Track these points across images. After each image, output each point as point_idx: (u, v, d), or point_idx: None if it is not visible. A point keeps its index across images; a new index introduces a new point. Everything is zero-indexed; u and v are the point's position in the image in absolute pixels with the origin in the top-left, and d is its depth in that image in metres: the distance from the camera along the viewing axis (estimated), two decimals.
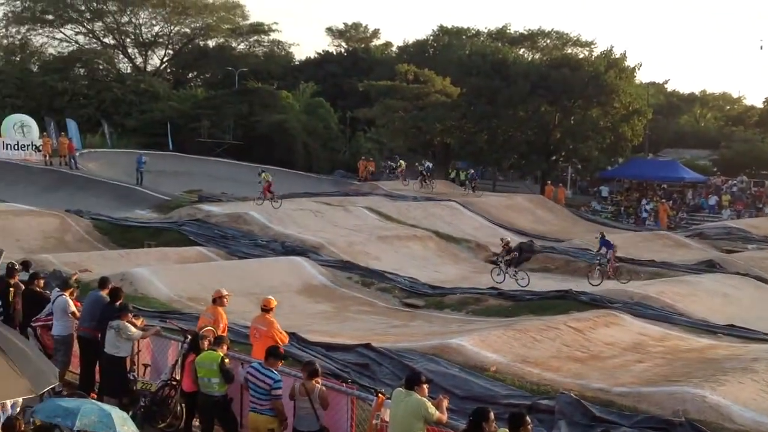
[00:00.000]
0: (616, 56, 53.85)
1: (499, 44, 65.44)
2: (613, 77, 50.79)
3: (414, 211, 33.04)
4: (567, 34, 74.17)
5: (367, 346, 13.65)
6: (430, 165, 45.51)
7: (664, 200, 47.02)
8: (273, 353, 9.87)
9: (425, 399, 8.27)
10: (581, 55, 63.32)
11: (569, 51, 68.82)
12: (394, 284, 21.72)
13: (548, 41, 75.43)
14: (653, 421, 10.55)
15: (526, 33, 74.96)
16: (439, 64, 61.10)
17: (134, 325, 11.60)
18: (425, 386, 8.36)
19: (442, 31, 74.91)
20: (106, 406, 7.73)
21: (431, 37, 74.88)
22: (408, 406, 8.20)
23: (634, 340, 15.64)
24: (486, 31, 76.18)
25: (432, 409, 8.19)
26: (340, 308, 19.62)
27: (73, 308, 12.59)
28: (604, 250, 24.47)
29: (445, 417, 8.35)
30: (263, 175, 32.84)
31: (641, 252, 28.65)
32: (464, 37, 74.04)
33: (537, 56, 70.48)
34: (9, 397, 6.95)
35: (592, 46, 70.21)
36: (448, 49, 68.38)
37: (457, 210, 34.43)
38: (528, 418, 7.47)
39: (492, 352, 13.80)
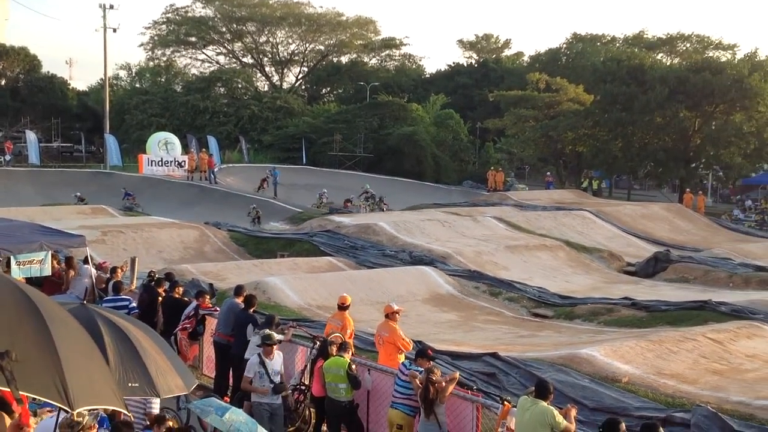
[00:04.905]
0: (761, 59, 51.35)
1: (636, 50, 63.65)
2: (758, 80, 48.37)
3: (544, 221, 32.45)
4: (708, 37, 71.31)
5: (494, 355, 13.51)
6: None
7: None
8: (422, 354, 10.18)
9: (552, 408, 8.13)
10: (723, 59, 60.74)
11: (710, 55, 66.13)
12: (523, 294, 21.38)
13: (688, 45, 72.72)
14: None
15: (664, 37, 72.61)
16: (572, 72, 60.12)
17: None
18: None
19: (576, 38, 73.66)
20: (253, 421, 8.08)
21: (564, 45, 73.80)
22: (534, 415, 8.09)
23: None
24: (622, 36, 74.47)
25: (559, 417, 8.05)
26: (467, 317, 19.49)
27: None
28: None
29: (573, 427, 8.18)
30: None
31: None
32: (599, 43, 72.57)
33: (676, 61, 68.15)
34: (171, 393, 7.38)
35: (735, 49, 67.27)
36: (581, 56, 67.21)
37: (589, 219, 33.58)
38: (661, 429, 7.23)
39: (624, 363, 13.36)
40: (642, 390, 12.17)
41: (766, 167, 54.69)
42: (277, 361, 10.79)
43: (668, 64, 64.62)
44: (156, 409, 9.09)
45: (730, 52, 66.86)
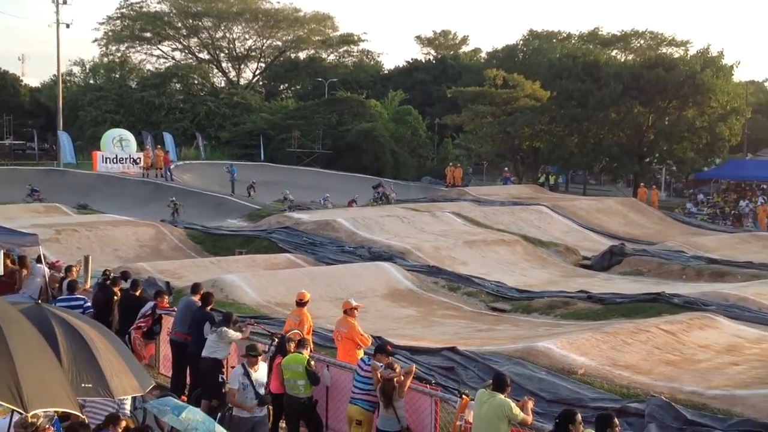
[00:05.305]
0: (713, 55, 52.25)
1: (591, 46, 64.42)
2: (710, 76, 49.21)
3: (502, 216, 32.72)
4: (661, 34, 72.65)
5: (453, 349, 13.58)
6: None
7: (763, 201, 45.32)
8: (381, 349, 10.19)
9: (509, 400, 8.21)
10: (676, 55, 61.70)
11: (664, 51, 67.16)
12: (481, 288, 21.47)
13: (642, 42, 73.89)
14: (748, 425, 10.14)
15: (618, 34, 73.62)
16: (529, 69, 60.58)
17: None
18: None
19: (532, 35, 74.33)
20: (211, 419, 8.04)
21: (521, 42, 74.40)
22: (492, 407, 8.16)
23: (729, 343, 15.07)
24: (577, 33, 75.32)
25: (516, 409, 8.13)
26: (426, 312, 19.57)
27: None
28: None
29: (530, 418, 8.27)
30: None
31: (739, 254, 27.63)
32: (555, 40, 73.30)
33: (630, 57, 69.10)
34: (126, 394, 7.32)
35: (688, 46, 68.45)
36: (538, 53, 67.80)
37: (545, 214, 33.93)
38: (616, 420, 7.35)
39: (580, 355, 13.52)
40: (597, 381, 12.34)
41: (718, 161, 55.68)
42: (262, 372, 10.35)
43: (622, 60, 65.43)
44: (128, 409, 9.01)
45: (683, 48, 68.01)
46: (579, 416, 7.48)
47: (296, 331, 11.96)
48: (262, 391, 10.19)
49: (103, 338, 7.24)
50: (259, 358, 10.38)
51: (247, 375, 10.12)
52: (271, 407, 11.27)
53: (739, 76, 62.08)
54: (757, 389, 11.66)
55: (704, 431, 10.20)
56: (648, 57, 58.67)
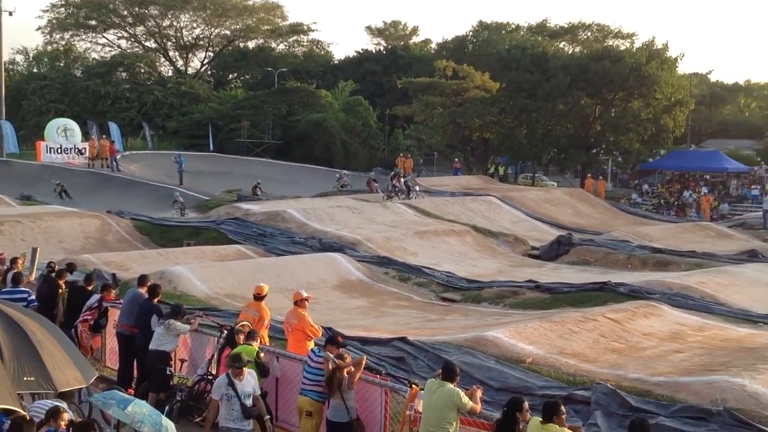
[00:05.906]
0: (658, 47, 53.16)
1: (539, 38, 65.08)
2: (655, 68, 50.10)
3: (452, 206, 32.93)
4: (608, 26, 73.90)
5: (403, 339, 13.62)
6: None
7: (706, 192, 46.44)
8: (331, 340, 10.11)
9: (458, 389, 8.26)
10: (622, 47, 62.65)
11: (610, 43, 68.21)
12: (431, 279, 21.55)
13: (589, 34, 74.94)
14: (691, 411, 10.36)
15: (566, 26, 74.55)
16: (479, 60, 60.97)
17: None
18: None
19: (482, 26, 74.78)
20: (158, 412, 7.93)
21: (470, 33, 74.79)
22: (441, 396, 8.20)
23: (672, 330, 15.38)
24: (526, 25, 76.10)
25: (465, 398, 8.18)
26: (377, 303, 19.59)
27: None
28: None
29: (479, 407, 8.32)
30: None
31: (682, 243, 28.25)
32: (504, 32, 73.86)
33: (577, 49, 70.07)
34: (69, 386, 7.19)
35: (634, 38, 69.68)
36: (487, 44, 68.27)
37: (495, 204, 34.24)
38: (562, 407, 7.45)
39: (528, 344, 13.66)
40: (545, 369, 12.47)
41: (662, 153, 56.78)
42: (248, 382, 9.48)
43: (570, 52, 66.30)
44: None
45: (629, 40, 69.27)
46: (526, 404, 7.59)
47: (246, 322, 11.87)
48: (248, 402, 9.42)
49: (44, 330, 7.12)
50: (245, 369, 9.58)
51: (232, 385, 9.32)
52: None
53: (683, 68, 63.50)
54: (700, 376, 11.91)
55: (648, 417, 10.40)
56: (595, 49, 59.52)
